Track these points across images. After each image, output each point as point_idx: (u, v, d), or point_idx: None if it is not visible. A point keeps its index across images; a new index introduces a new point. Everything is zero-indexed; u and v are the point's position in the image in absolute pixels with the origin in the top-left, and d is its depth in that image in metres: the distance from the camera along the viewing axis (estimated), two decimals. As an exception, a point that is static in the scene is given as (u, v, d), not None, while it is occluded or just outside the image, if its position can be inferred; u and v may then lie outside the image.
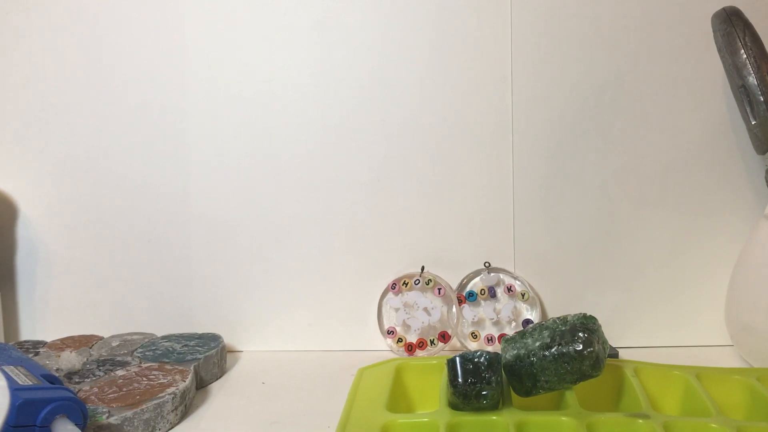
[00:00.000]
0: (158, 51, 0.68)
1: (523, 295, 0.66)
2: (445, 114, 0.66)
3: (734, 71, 0.57)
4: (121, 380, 0.55)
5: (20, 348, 0.63)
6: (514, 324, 0.66)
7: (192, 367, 0.58)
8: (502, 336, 0.66)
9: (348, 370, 0.61)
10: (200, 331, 0.69)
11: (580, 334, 0.44)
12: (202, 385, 0.60)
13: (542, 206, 0.67)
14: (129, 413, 0.49)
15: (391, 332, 0.67)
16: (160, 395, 0.52)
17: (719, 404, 0.46)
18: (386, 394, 0.49)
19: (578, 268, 0.67)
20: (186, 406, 0.54)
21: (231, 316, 0.70)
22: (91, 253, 0.71)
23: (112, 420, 0.48)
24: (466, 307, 0.67)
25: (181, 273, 0.70)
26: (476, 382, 0.44)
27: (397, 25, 0.66)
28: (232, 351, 0.70)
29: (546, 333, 0.46)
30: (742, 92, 0.58)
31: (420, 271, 0.67)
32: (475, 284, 0.67)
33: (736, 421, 0.44)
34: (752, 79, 0.56)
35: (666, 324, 0.67)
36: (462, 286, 0.67)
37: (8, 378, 0.44)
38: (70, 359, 0.59)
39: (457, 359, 0.45)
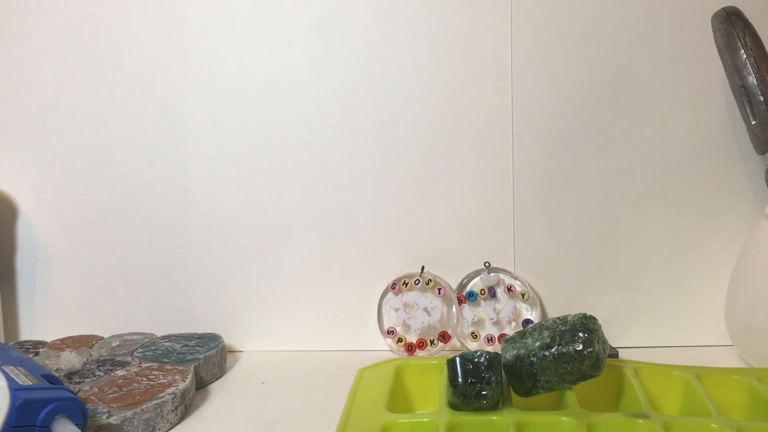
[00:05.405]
0: (158, 51, 0.68)
1: (523, 295, 0.66)
2: (445, 113, 0.66)
3: (734, 71, 0.57)
4: (121, 380, 0.55)
5: (20, 348, 0.63)
6: (514, 324, 0.66)
7: (192, 367, 0.58)
8: (502, 336, 0.66)
9: (348, 370, 0.61)
10: (200, 331, 0.69)
11: (580, 334, 0.44)
12: (202, 385, 0.60)
13: (542, 206, 0.67)
14: (129, 413, 0.49)
15: (391, 332, 0.67)
16: (160, 395, 0.52)
17: (719, 404, 0.46)
18: (386, 394, 0.49)
19: (578, 268, 0.67)
20: (186, 406, 0.54)
21: (231, 316, 0.70)
22: (91, 253, 0.71)
23: (112, 420, 0.48)
24: (466, 307, 0.67)
25: (181, 273, 0.70)
26: (476, 382, 0.44)
27: (397, 24, 0.66)
28: (232, 351, 0.70)
29: (546, 333, 0.46)
30: (742, 92, 0.58)
31: (420, 271, 0.67)
32: (475, 284, 0.67)
33: (736, 421, 0.44)
34: (752, 79, 0.56)
35: (666, 324, 0.67)
36: (462, 286, 0.67)
37: (8, 378, 0.44)
38: (70, 359, 0.59)
39: (457, 359, 0.45)
